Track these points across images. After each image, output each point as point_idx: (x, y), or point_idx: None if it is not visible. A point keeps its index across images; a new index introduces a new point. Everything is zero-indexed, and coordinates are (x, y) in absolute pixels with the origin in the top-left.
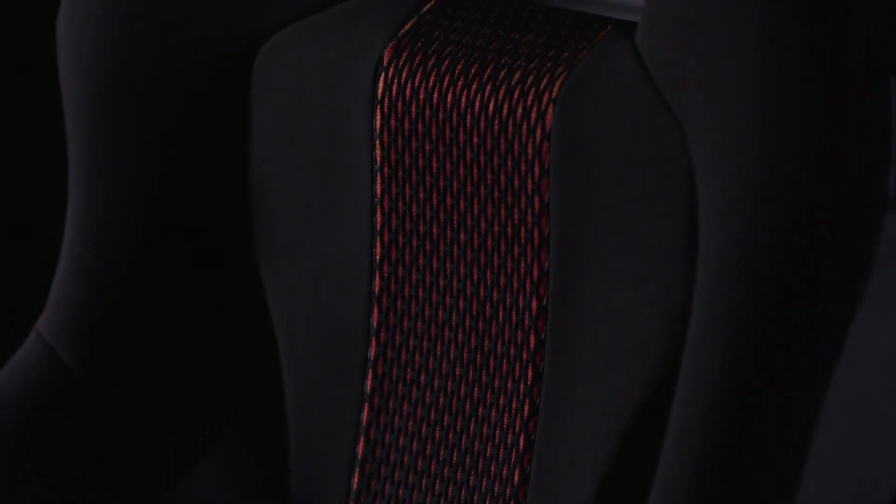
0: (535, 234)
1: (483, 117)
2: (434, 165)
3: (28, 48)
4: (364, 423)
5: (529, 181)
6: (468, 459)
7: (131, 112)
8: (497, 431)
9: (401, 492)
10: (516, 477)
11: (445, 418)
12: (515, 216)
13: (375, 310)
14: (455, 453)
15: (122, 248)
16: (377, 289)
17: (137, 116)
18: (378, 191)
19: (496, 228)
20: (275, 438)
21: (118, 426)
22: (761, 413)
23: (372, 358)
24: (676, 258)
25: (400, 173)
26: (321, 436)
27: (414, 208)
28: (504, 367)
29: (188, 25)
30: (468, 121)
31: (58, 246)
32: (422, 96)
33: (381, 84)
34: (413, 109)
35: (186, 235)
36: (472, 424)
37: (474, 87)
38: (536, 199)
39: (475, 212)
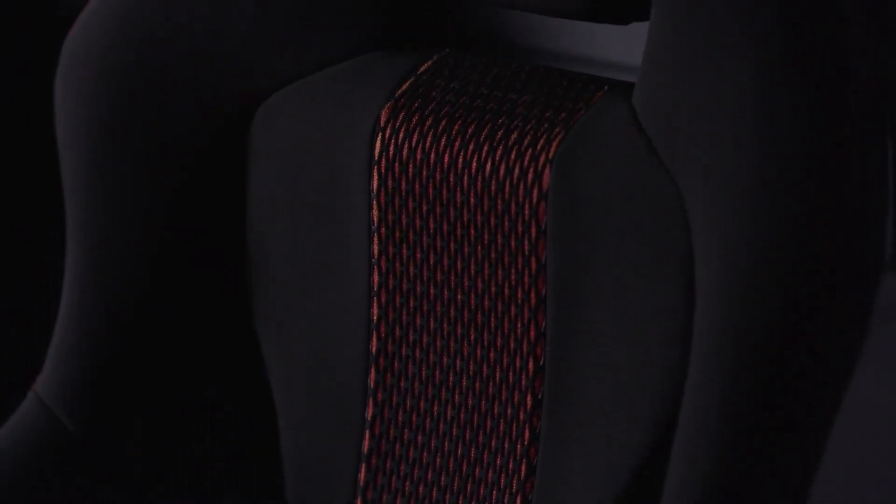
0: (532, 295)
1: (480, 177)
2: (431, 226)
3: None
4: (361, 483)
5: (526, 241)
6: None
7: (130, 170)
8: (494, 492)
9: None
10: None
11: (443, 478)
12: (512, 276)
13: (373, 370)
14: None
15: (121, 307)
16: (374, 349)
17: (135, 175)
18: (375, 251)
19: (493, 289)
20: (273, 494)
21: (118, 484)
22: (758, 469)
23: (369, 418)
24: (674, 316)
25: (397, 233)
26: (317, 497)
27: (411, 268)
28: (501, 427)
29: (187, 85)
30: (465, 181)
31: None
32: (419, 156)
33: (378, 144)
34: (410, 170)
35: (185, 294)
36: (469, 485)
37: (471, 147)
38: (533, 260)
39: (472, 272)
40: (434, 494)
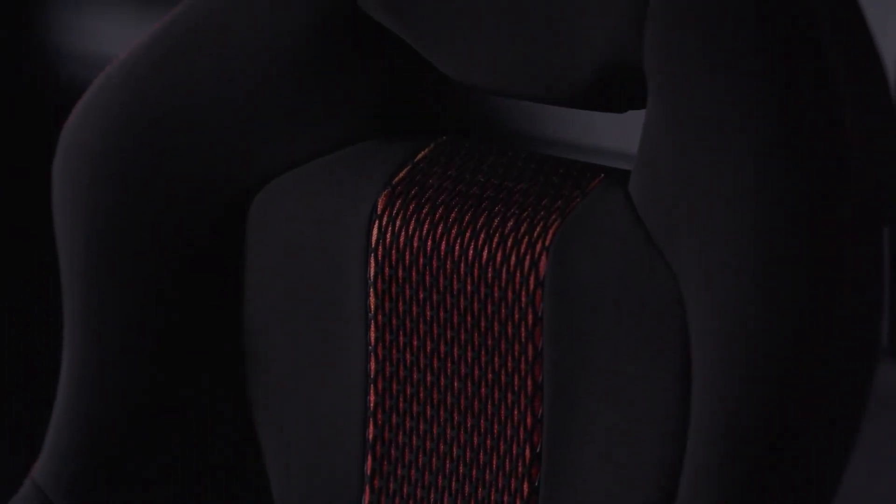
0: (529, 382)
1: (477, 265)
2: (428, 313)
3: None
4: None
5: (523, 329)
6: None
7: (128, 259)
8: None
9: None
10: None
11: None
12: (509, 364)
13: (369, 457)
14: None
15: (118, 400)
16: (371, 436)
17: (133, 264)
18: (372, 338)
19: (490, 376)
20: None
21: None
22: None
23: None
24: (670, 406)
25: (394, 321)
26: None
27: (408, 356)
28: None
29: (184, 174)
30: (462, 269)
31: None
32: (416, 244)
33: (375, 232)
34: (407, 258)
35: (182, 384)
36: None
37: (468, 235)
38: (530, 347)
39: (469, 359)
40: None
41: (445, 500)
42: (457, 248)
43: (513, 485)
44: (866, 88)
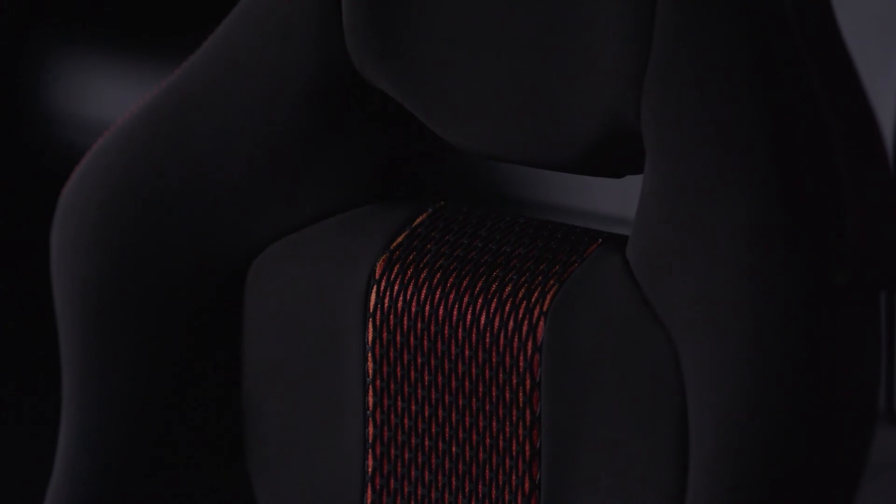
0: (527, 447)
1: (475, 330)
2: (426, 378)
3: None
4: None
5: (521, 394)
6: None
7: (125, 327)
8: None
9: None
10: None
11: None
12: (507, 429)
13: None
14: None
15: (115, 465)
16: (369, 501)
17: (131, 332)
18: (370, 403)
19: (488, 441)
20: None
21: None
22: None
23: None
24: (667, 472)
25: (392, 386)
26: None
27: (406, 421)
28: None
29: (182, 241)
30: (460, 333)
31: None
32: (414, 309)
33: (373, 297)
34: (405, 322)
35: (179, 449)
36: None
37: (466, 299)
38: (528, 412)
39: (466, 424)
40: None
41: None
42: (455, 312)
43: None
44: (864, 153)
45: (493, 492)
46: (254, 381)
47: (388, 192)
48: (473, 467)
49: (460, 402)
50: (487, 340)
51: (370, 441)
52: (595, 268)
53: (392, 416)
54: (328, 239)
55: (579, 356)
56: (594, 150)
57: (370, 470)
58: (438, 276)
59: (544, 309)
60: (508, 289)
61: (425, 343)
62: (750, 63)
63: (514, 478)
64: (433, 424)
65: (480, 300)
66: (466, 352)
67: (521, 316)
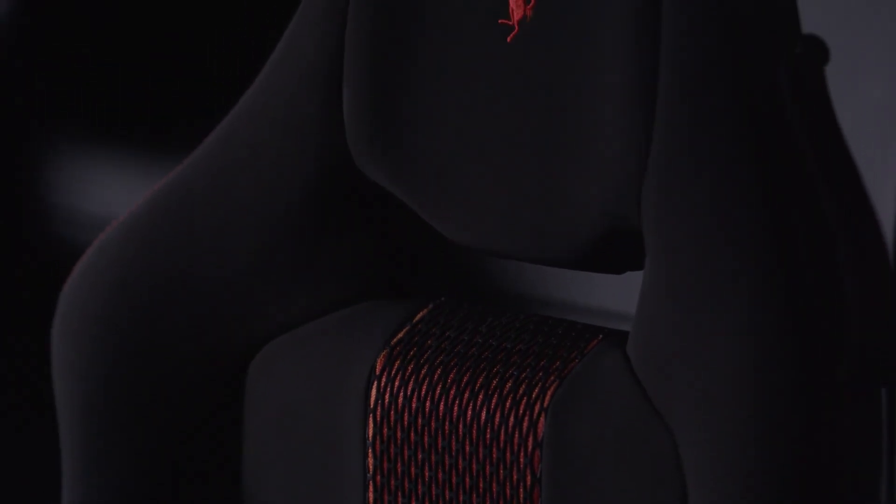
0: None
1: (475, 426)
2: (426, 474)
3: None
4: None
5: (521, 489)
6: None
7: (123, 419)
8: None
9: None
10: None
11: None
12: None
13: None
14: None
15: None
16: None
17: (130, 423)
18: (371, 499)
19: None
20: None
21: None
22: None
23: None
24: None
25: (392, 482)
26: None
27: None
28: None
29: (182, 338)
30: (460, 429)
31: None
32: (414, 405)
33: (373, 393)
34: (406, 418)
35: None
36: None
37: (466, 395)
38: None
39: None
40: None
41: None
42: (455, 408)
43: None
44: (863, 248)
45: None
46: (254, 477)
47: (388, 287)
48: None
49: (461, 499)
50: (488, 436)
51: None
52: (595, 364)
53: None
54: (329, 335)
55: (580, 452)
56: (594, 246)
57: None
58: (439, 372)
59: (545, 405)
60: (509, 385)
61: (426, 439)
62: (750, 161)
63: None
64: None
65: (481, 396)
66: (467, 448)
67: (521, 412)
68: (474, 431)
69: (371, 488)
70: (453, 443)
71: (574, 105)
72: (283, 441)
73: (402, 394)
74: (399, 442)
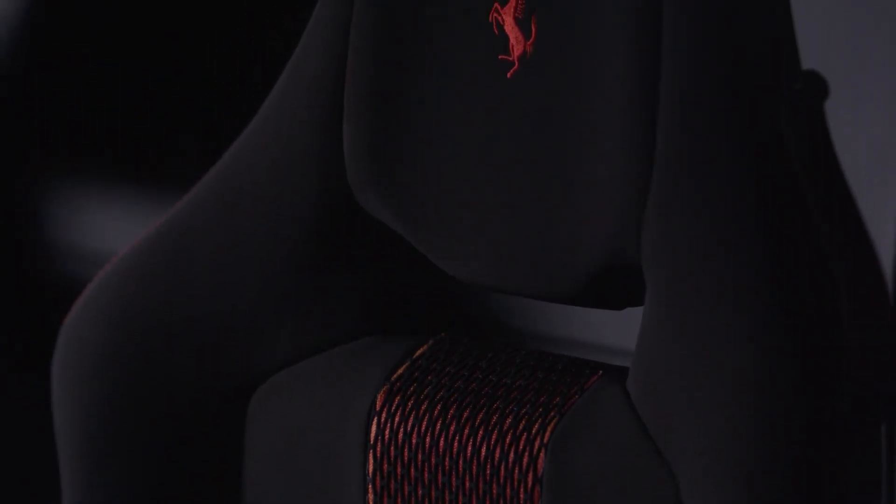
0: None
1: (475, 461)
2: None
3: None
4: None
5: None
6: None
7: (126, 453)
8: None
9: None
10: None
11: None
12: None
13: None
14: None
15: None
16: None
17: (132, 458)
18: None
19: None
20: None
21: None
22: None
23: None
24: None
25: None
26: None
27: None
28: None
29: (184, 373)
30: (461, 465)
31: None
32: (414, 441)
33: (374, 429)
34: (406, 454)
35: None
36: None
37: (466, 431)
38: None
39: None
40: None
41: None
42: (455, 444)
43: None
44: (863, 284)
45: None
46: None
47: (389, 323)
48: None
49: None
50: (488, 472)
51: None
52: (596, 400)
53: None
54: (329, 370)
55: (580, 488)
56: (594, 282)
57: None
58: (439, 407)
59: (545, 441)
60: (509, 421)
61: (426, 475)
62: (750, 197)
63: None
64: None
65: (481, 432)
66: (467, 483)
67: (521, 448)
68: (474, 467)
69: None
70: (453, 479)
71: (574, 141)
72: (284, 476)
73: (402, 429)
74: (399, 478)
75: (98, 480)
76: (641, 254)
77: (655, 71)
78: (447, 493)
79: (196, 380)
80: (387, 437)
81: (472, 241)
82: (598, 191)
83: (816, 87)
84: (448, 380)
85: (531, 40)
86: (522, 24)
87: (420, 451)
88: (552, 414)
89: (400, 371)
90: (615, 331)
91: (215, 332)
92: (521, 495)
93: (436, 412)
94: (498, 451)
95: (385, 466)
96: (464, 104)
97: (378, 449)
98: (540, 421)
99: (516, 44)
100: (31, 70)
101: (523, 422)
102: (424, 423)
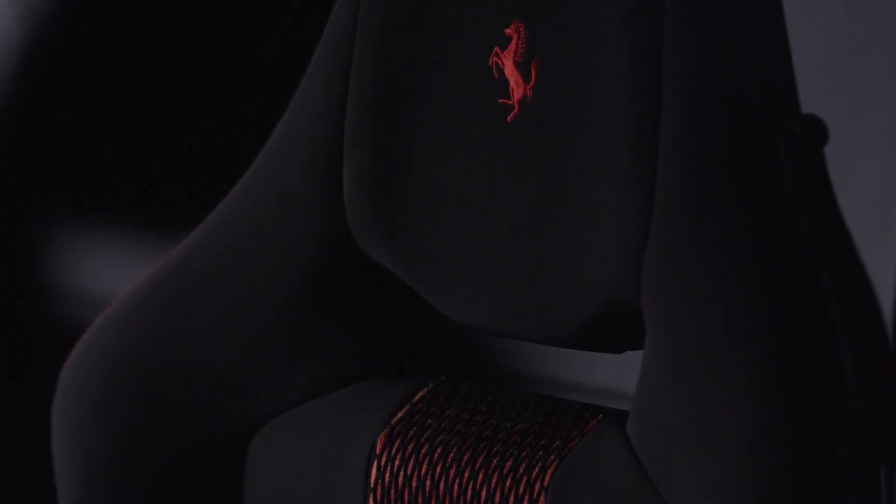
0: None
1: None
2: None
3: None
4: None
5: None
6: None
7: (126, 497)
8: None
9: None
10: None
11: None
12: None
13: None
14: None
15: None
16: None
17: (131, 502)
18: None
19: None
20: None
21: None
22: None
23: None
24: None
25: None
26: None
27: None
28: None
29: (183, 417)
30: None
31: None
32: (414, 484)
33: (374, 472)
34: (406, 497)
35: None
36: None
37: (467, 474)
38: None
39: None
40: None
41: None
42: (455, 487)
43: None
44: (863, 329)
45: None
46: None
47: (389, 366)
48: None
49: None
50: None
51: None
52: (595, 443)
53: None
54: (329, 414)
55: None
56: (594, 326)
57: None
58: (439, 451)
59: (545, 484)
60: (509, 464)
61: None
62: (750, 242)
63: None
64: None
65: (481, 475)
66: None
67: (521, 491)
68: None
69: None
70: None
71: (573, 185)
72: None
73: (402, 473)
74: None
75: None
76: (641, 298)
77: (656, 117)
78: None
79: (195, 425)
80: (387, 480)
81: (472, 284)
82: (598, 235)
83: (816, 131)
84: (448, 423)
85: (531, 84)
86: (522, 68)
87: (420, 494)
88: (552, 457)
89: (400, 414)
90: (615, 374)
91: (214, 378)
92: None
93: (436, 455)
94: (498, 494)
95: None
96: (464, 149)
97: (378, 492)
98: (540, 464)
99: (516, 87)
100: (32, 113)
101: (523, 465)
102: (424, 466)
